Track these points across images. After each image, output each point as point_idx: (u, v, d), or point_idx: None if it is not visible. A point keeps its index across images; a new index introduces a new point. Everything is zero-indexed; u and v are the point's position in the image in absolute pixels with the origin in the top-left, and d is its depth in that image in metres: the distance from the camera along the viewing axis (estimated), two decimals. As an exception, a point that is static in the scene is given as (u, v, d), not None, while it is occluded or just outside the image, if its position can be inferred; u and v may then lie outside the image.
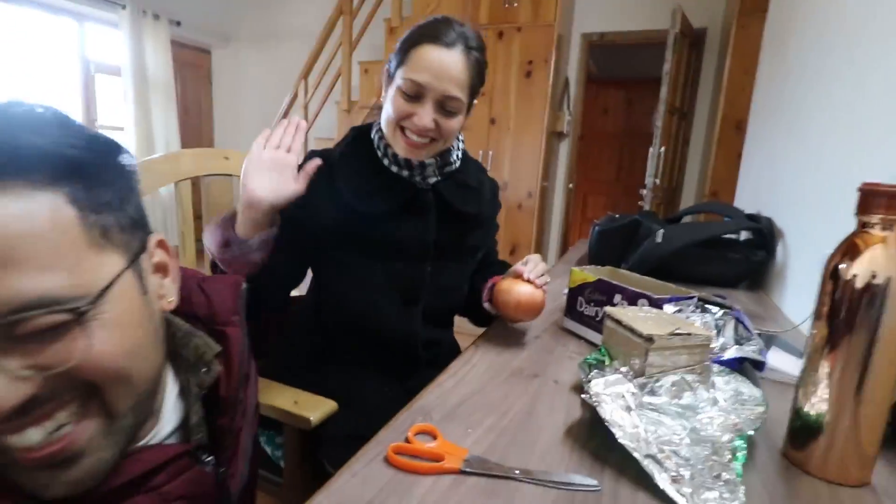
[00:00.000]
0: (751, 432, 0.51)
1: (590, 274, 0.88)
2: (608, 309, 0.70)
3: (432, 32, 0.78)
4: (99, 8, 3.49)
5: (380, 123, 0.87)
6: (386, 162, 0.85)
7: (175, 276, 0.47)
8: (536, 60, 2.91)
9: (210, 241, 0.74)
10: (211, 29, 4.41)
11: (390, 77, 0.84)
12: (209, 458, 0.48)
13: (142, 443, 0.44)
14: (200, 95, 4.61)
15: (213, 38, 4.46)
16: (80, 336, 0.34)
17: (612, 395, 0.55)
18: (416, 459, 0.49)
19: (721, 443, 0.50)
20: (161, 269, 0.44)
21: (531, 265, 0.86)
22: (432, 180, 0.87)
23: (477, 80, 0.83)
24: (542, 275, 0.85)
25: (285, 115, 3.84)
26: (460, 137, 0.92)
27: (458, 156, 0.90)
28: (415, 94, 0.79)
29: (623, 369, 0.59)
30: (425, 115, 0.79)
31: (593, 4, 3.31)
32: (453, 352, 1.01)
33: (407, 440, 0.52)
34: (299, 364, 0.91)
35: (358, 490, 0.45)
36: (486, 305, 0.92)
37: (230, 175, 1.20)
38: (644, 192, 2.78)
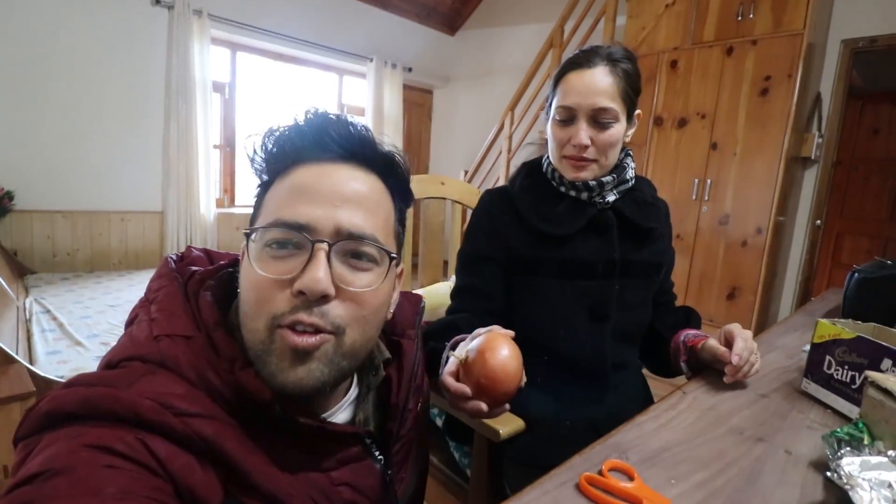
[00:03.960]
0: None
1: (846, 329, 0.71)
2: (873, 375, 0.56)
3: (575, 61, 0.84)
4: (354, 62, 4.34)
5: (549, 156, 0.92)
6: (563, 189, 0.89)
7: (396, 297, 0.54)
8: (776, 75, 2.49)
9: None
10: (435, 72, 5.03)
11: (548, 115, 0.90)
12: (380, 457, 0.51)
13: (325, 414, 0.49)
14: (421, 129, 5.28)
15: (436, 79, 5.08)
16: (375, 276, 0.45)
17: (873, 481, 0.44)
18: (610, 495, 0.47)
19: None
20: (396, 282, 0.53)
21: (740, 343, 0.75)
22: (611, 198, 0.88)
23: (629, 88, 0.84)
24: (749, 358, 0.75)
25: (491, 144, 4.11)
26: (630, 155, 0.92)
27: (631, 174, 0.91)
28: (568, 118, 0.84)
29: (891, 453, 0.47)
30: (580, 133, 0.82)
31: (859, 4, 2.69)
32: (638, 382, 0.97)
33: (600, 473, 0.50)
34: None
35: (548, 509, 0.45)
36: (683, 366, 0.87)
37: (444, 198, 1.35)
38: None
